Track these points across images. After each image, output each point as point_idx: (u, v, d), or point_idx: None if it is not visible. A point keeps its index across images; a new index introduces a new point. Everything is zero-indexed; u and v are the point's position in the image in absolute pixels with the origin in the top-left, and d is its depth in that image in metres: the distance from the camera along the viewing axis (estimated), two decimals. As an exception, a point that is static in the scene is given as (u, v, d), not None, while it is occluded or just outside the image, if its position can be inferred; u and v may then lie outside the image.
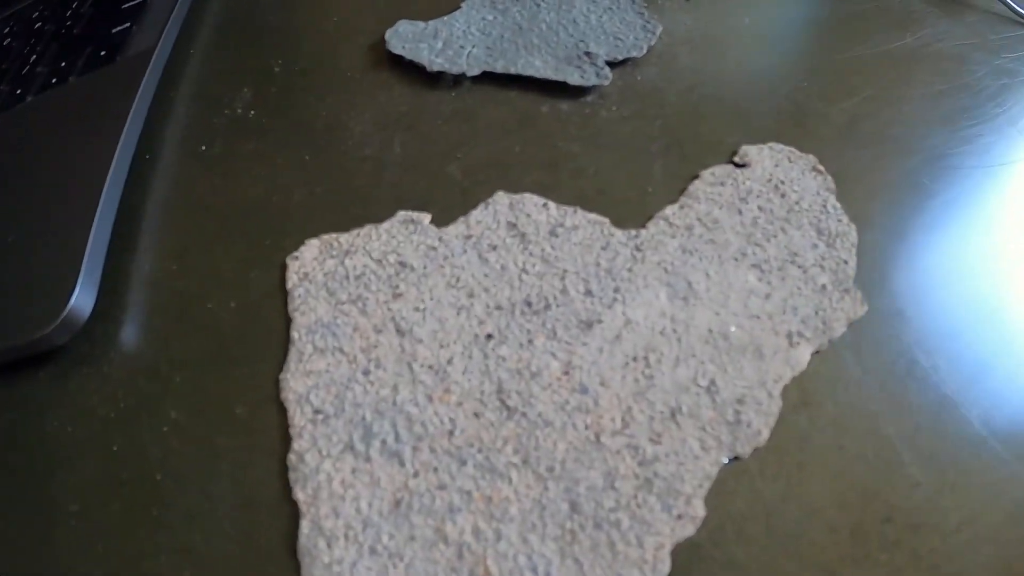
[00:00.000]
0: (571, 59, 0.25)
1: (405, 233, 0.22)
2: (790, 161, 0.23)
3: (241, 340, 0.22)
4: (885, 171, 0.24)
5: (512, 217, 0.22)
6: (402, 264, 0.21)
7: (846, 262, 0.22)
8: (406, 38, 0.28)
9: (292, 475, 0.19)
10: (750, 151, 0.23)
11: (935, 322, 0.21)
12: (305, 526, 0.18)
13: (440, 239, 0.21)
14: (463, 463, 0.18)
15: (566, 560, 0.18)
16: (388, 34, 0.29)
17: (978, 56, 0.29)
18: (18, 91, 0.31)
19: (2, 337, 0.22)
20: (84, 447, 0.21)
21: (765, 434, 0.19)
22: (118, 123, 0.26)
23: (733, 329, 0.20)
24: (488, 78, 0.27)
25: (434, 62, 0.27)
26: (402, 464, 0.19)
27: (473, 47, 0.27)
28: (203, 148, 0.27)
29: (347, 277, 0.21)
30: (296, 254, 0.22)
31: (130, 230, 0.26)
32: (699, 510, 0.18)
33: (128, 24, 0.31)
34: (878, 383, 0.20)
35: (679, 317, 0.20)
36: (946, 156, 0.25)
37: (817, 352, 0.21)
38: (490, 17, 0.28)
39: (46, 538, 0.20)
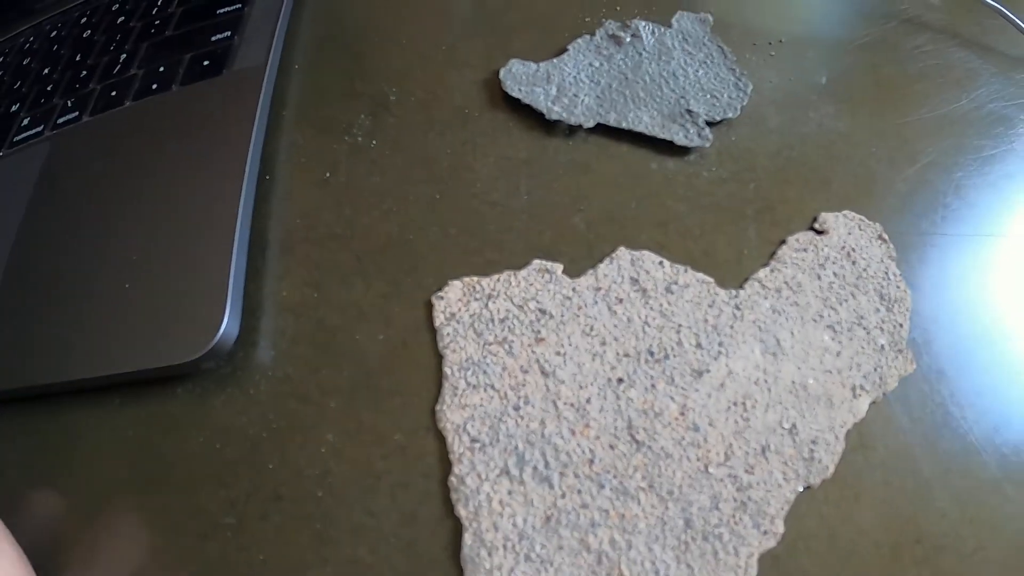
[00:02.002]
0: (675, 116, 0.31)
1: (541, 282, 0.27)
2: (860, 229, 0.30)
3: (390, 372, 0.27)
4: (938, 239, 0.31)
5: (634, 273, 0.28)
6: (542, 311, 0.27)
7: (901, 325, 0.29)
8: (520, 80, 0.32)
9: (454, 495, 0.25)
10: (828, 218, 0.30)
11: (968, 380, 0.28)
12: (468, 538, 0.25)
13: (574, 289, 0.27)
14: (601, 487, 0.25)
15: (681, 565, 0.25)
16: (503, 74, 0.33)
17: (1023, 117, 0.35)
18: (113, 92, 0.33)
19: (151, 359, 0.25)
20: (235, 464, 0.26)
21: (831, 469, 0.27)
22: (243, 141, 0.29)
23: (811, 381, 0.27)
24: (600, 129, 0.32)
25: (552, 110, 0.31)
26: (551, 487, 0.25)
27: (585, 96, 0.32)
28: (327, 175, 0.32)
29: (492, 320, 0.27)
30: (441, 294, 0.28)
31: (259, 254, 0.30)
32: (780, 528, 0.26)
33: (229, 33, 0.34)
34: (920, 431, 0.28)
35: (769, 370, 0.27)
36: (994, 224, 0.32)
37: (874, 403, 0.28)
38: (596, 64, 0.33)
39: (200, 547, 0.24)
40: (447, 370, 0.27)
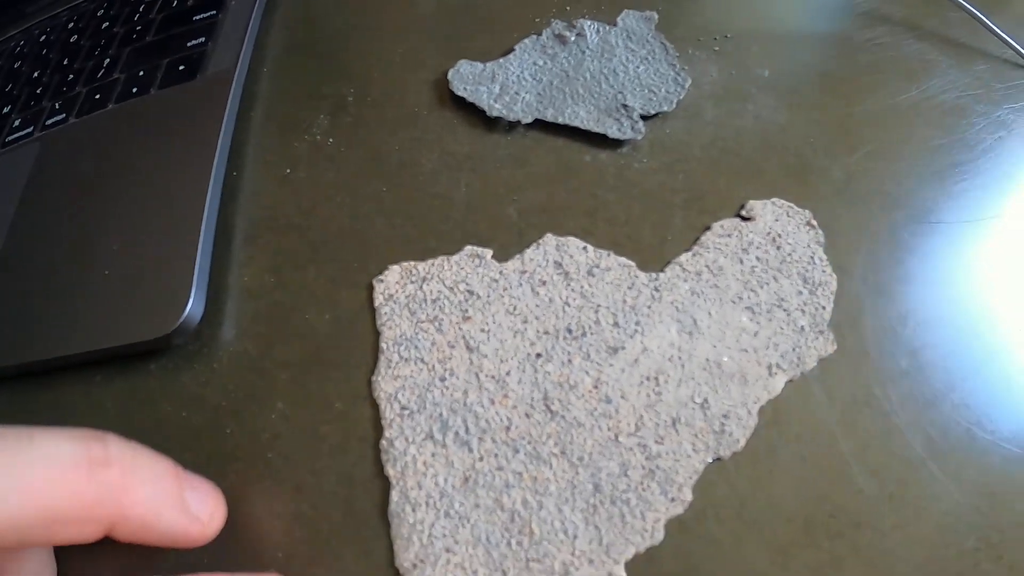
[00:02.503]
0: (611, 111, 0.33)
1: (472, 266, 0.30)
2: (788, 216, 0.32)
3: (336, 347, 0.31)
4: (871, 226, 0.33)
5: (559, 257, 0.30)
6: (470, 292, 0.30)
7: (824, 308, 0.31)
8: (467, 79, 0.36)
9: (384, 456, 0.29)
10: (755, 206, 0.32)
11: (894, 362, 0.30)
12: (395, 495, 0.28)
13: (501, 272, 0.30)
14: (516, 451, 0.28)
15: (589, 526, 0.27)
16: (451, 74, 0.36)
17: (980, 108, 0.36)
18: (97, 96, 0.37)
19: (125, 335, 0.29)
20: (199, 430, 0.30)
21: (742, 443, 0.29)
22: (212, 141, 0.33)
23: (726, 359, 0.30)
24: (538, 124, 0.35)
25: (493, 107, 0.34)
26: (470, 450, 0.28)
27: (526, 93, 0.35)
28: (288, 172, 0.35)
29: (425, 300, 0.30)
30: (381, 277, 0.31)
31: (225, 243, 0.33)
32: (688, 495, 0.28)
33: (203, 39, 0.38)
34: (839, 409, 0.29)
35: (684, 348, 0.29)
36: (931, 211, 0.33)
37: (791, 381, 0.30)
38: (540, 62, 0.36)
39: None
40: (383, 345, 0.30)
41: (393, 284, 0.31)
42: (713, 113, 0.35)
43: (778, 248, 0.32)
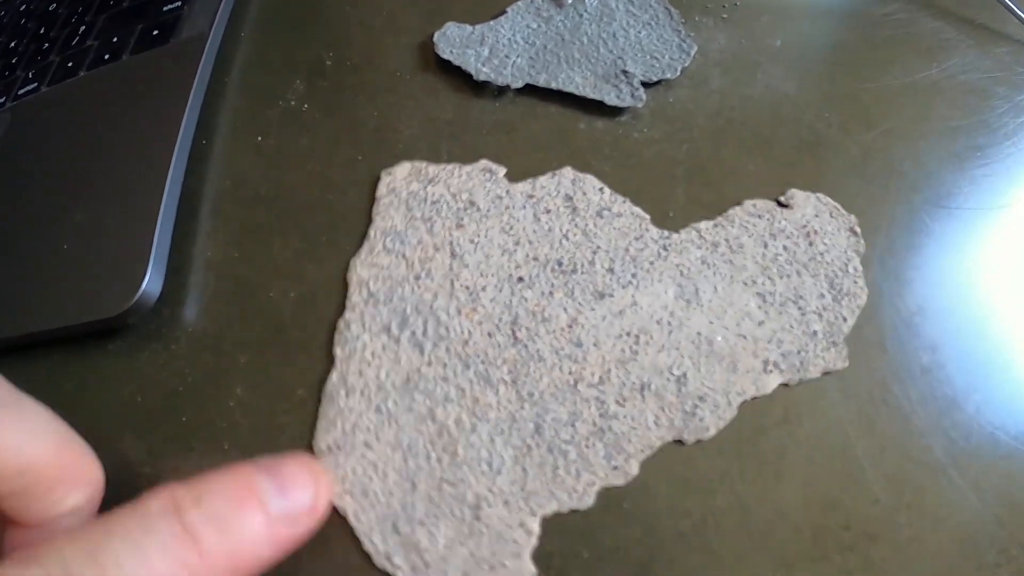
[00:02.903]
0: (609, 77, 0.27)
1: (481, 179, 0.26)
2: (832, 216, 0.26)
3: (299, 328, 0.25)
4: (888, 208, 0.26)
5: (571, 191, 0.25)
6: (471, 203, 0.25)
7: (845, 320, 0.24)
8: (454, 42, 0.30)
9: (337, 336, 0.24)
10: (797, 196, 0.26)
11: (913, 357, 0.23)
12: (334, 376, 0.24)
13: (507, 191, 0.25)
14: (467, 367, 0.23)
15: (516, 466, 0.22)
16: (436, 36, 0.30)
17: (1001, 91, 0.28)
18: (70, 64, 0.32)
19: (77, 314, 0.24)
20: (155, 416, 0.24)
21: (712, 431, 0.23)
22: (179, 107, 0.28)
23: (719, 339, 0.23)
24: (530, 90, 0.29)
25: (480, 71, 0.28)
26: (421, 353, 0.23)
27: (517, 57, 0.29)
28: (259, 139, 0.30)
29: (425, 200, 0.26)
30: (390, 170, 0.27)
31: (190, 215, 0.28)
32: (634, 468, 0.22)
33: (179, 3, 0.32)
34: (855, 408, 0.23)
35: (677, 314, 0.24)
36: (951, 196, 0.26)
37: (785, 384, 0.23)
38: (534, 26, 0.30)
39: (118, 494, 0.22)
40: (371, 232, 0.26)
41: (400, 179, 0.26)
42: (720, 82, 0.29)
43: (810, 244, 0.25)
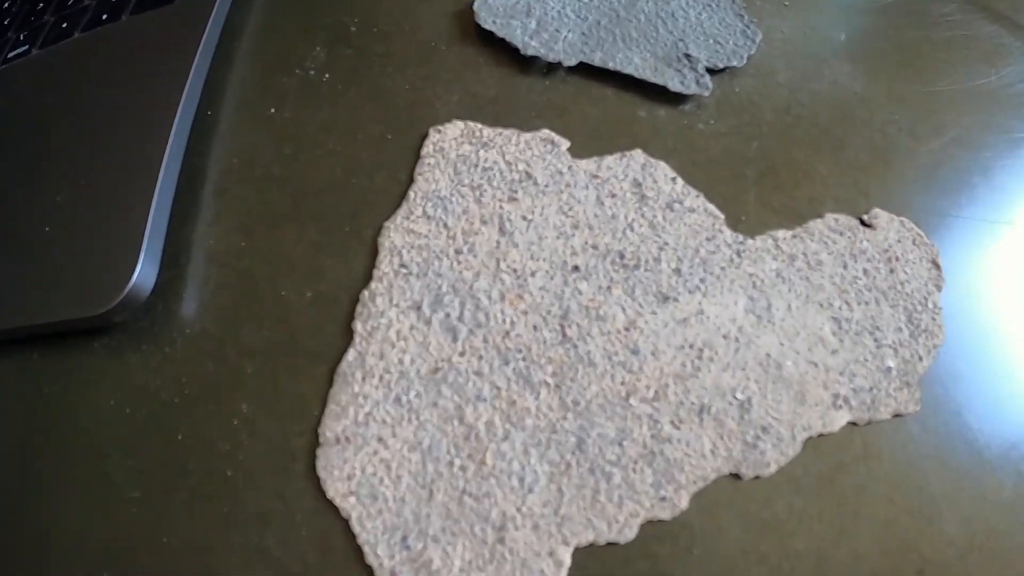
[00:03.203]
0: (670, 60, 0.22)
1: (541, 150, 0.21)
2: (914, 243, 0.21)
3: (315, 334, 0.19)
4: (959, 223, 0.22)
5: (641, 177, 0.20)
6: (528, 175, 0.20)
7: (920, 359, 0.20)
8: (496, 12, 0.24)
9: (359, 308, 0.19)
10: (881, 216, 0.21)
11: (989, 386, 0.19)
12: (351, 355, 0.18)
13: (569, 168, 0.20)
14: (506, 362, 0.18)
15: (552, 485, 0.17)
16: (477, 5, 0.25)
17: None
18: (64, 24, 0.26)
19: (56, 310, 0.19)
20: (145, 431, 0.19)
21: (773, 468, 0.18)
22: (181, 74, 0.22)
23: (789, 364, 0.19)
24: (583, 69, 0.23)
25: (528, 44, 0.23)
26: (455, 340, 0.18)
27: (568, 32, 0.23)
28: (272, 111, 0.23)
29: (476, 165, 0.20)
30: (440, 128, 0.21)
31: (191, 197, 0.22)
32: (683, 501, 0.17)
33: None
34: (933, 442, 0.18)
35: (746, 330, 0.19)
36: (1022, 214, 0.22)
37: (853, 424, 0.19)
38: None
39: (105, 520, 0.18)
40: (411, 194, 0.20)
41: (449, 138, 0.21)
42: (786, 75, 0.24)
43: (891, 271, 0.21)
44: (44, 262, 0.20)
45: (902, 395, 0.19)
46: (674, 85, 0.22)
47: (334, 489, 0.17)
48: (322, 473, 0.17)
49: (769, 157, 0.22)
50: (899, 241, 0.21)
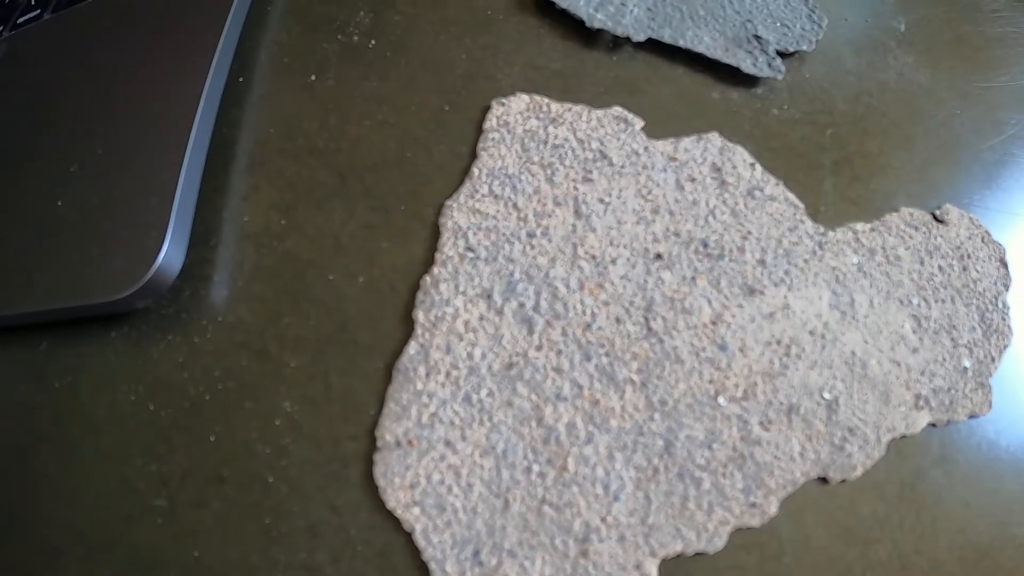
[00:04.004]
0: (740, 41, 0.19)
1: (615, 129, 0.17)
2: (983, 241, 0.18)
3: (370, 324, 0.16)
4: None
5: (720, 161, 0.17)
6: (603, 154, 0.17)
7: (993, 360, 0.17)
8: None
9: (420, 295, 0.15)
10: (952, 212, 0.19)
11: None
12: (412, 347, 0.15)
13: (646, 148, 0.17)
14: (587, 358, 0.15)
15: (638, 492, 0.14)
16: None
17: None
18: None
19: (73, 294, 0.15)
20: (171, 432, 0.15)
21: (859, 471, 0.15)
22: (212, 36, 0.18)
23: (873, 363, 0.16)
24: (651, 46, 0.20)
25: (594, 17, 0.19)
26: (531, 332, 0.15)
27: (635, 6, 0.20)
28: (312, 78, 0.19)
29: (545, 142, 0.17)
30: (504, 101, 0.18)
31: (223, 169, 0.18)
32: (772, 507, 0.15)
33: None
34: (1004, 445, 0.16)
35: (832, 327, 0.16)
36: None
37: (932, 425, 0.16)
38: None
39: (125, 532, 0.14)
40: (475, 170, 0.17)
41: (515, 113, 0.17)
42: (854, 62, 0.21)
43: (964, 269, 0.18)
44: (60, 241, 0.16)
45: (977, 396, 0.16)
46: (747, 67, 0.19)
47: (395, 499, 0.14)
48: (381, 481, 0.14)
49: (843, 146, 0.19)
50: (970, 238, 0.18)
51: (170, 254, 0.15)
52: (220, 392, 0.15)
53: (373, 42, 0.19)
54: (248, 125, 0.19)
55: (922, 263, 0.18)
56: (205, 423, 0.15)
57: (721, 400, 0.15)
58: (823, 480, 0.15)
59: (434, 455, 0.14)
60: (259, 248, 0.17)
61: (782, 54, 0.20)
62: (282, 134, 0.18)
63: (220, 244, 0.17)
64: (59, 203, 0.16)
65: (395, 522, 0.14)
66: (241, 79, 0.19)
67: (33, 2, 0.21)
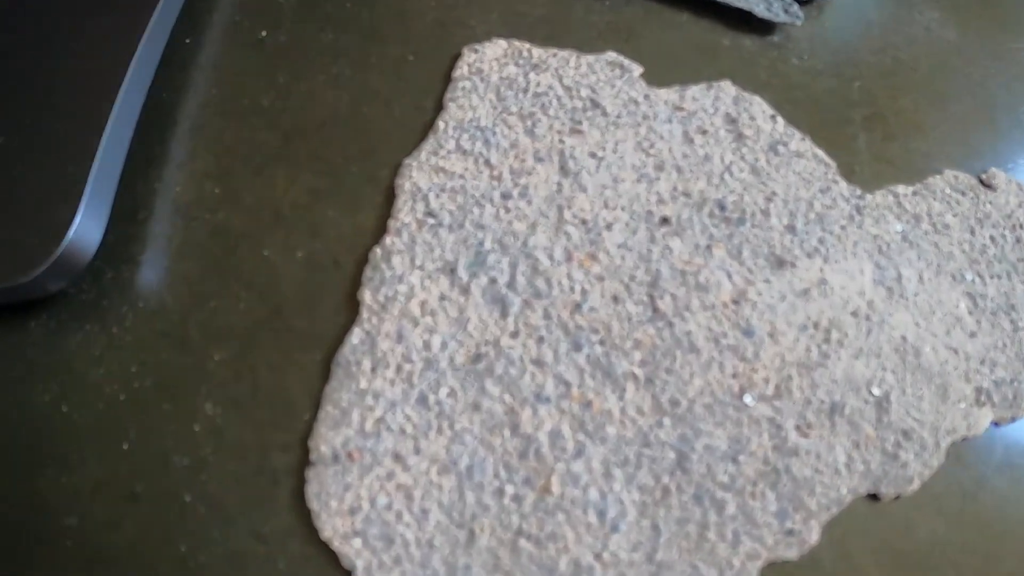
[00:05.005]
0: None
1: (608, 75, 0.13)
2: (1034, 208, 0.14)
3: (308, 307, 0.11)
4: None
5: (735, 112, 0.12)
6: (594, 103, 0.12)
7: (1058, 342, 0.12)
8: None
9: (368, 271, 0.11)
10: (999, 176, 0.14)
11: None
12: (356, 335, 0.10)
13: (646, 96, 0.12)
14: (577, 347, 0.10)
15: (643, 520, 0.09)
16: None
17: None
18: None
19: None
20: (84, 437, 0.11)
21: (916, 484, 0.11)
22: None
23: (928, 350, 0.11)
24: None
25: None
26: (504, 315, 0.10)
27: None
28: (263, 34, 0.15)
29: (525, 90, 0.12)
30: (477, 47, 0.13)
31: (158, 137, 0.14)
32: (813, 535, 0.10)
33: None
34: None
35: (878, 306, 0.11)
36: None
37: (996, 423, 0.12)
38: None
39: (34, 556, 0.10)
40: (440, 124, 0.12)
41: (490, 59, 0.13)
42: (877, 14, 0.16)
43: (1018, 241, 0.13)
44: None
45: (1044, 389, 0.12)
46: (760, 11, 0.14)
47: (331, 527, 0.09)
48: (314, 504, 0.09)
49: (873, 102, 0.14)
50: (1020, 206, 0.14)
51: (84, 228, 0.11)
52: (136, 391, 0.11)
53: (331, -9, 0.15)
54: (192, 88, 0.14)
55: (972, 233, 0.13)
56: (119, 428, 0.11)
57: (747, 399, 0.10)
58: (873, 497, 0.11)
59: (380, 472, 0.09)
60: (189, 221, 0.12)
61: (799, 0, 0.15)
62: (225, 95, 0.14)
63: (150, 219, 0.13)
64: None
65: (332, 556, 0.09)
66: (188, 40, 0.15)
67: None
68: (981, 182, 0.14)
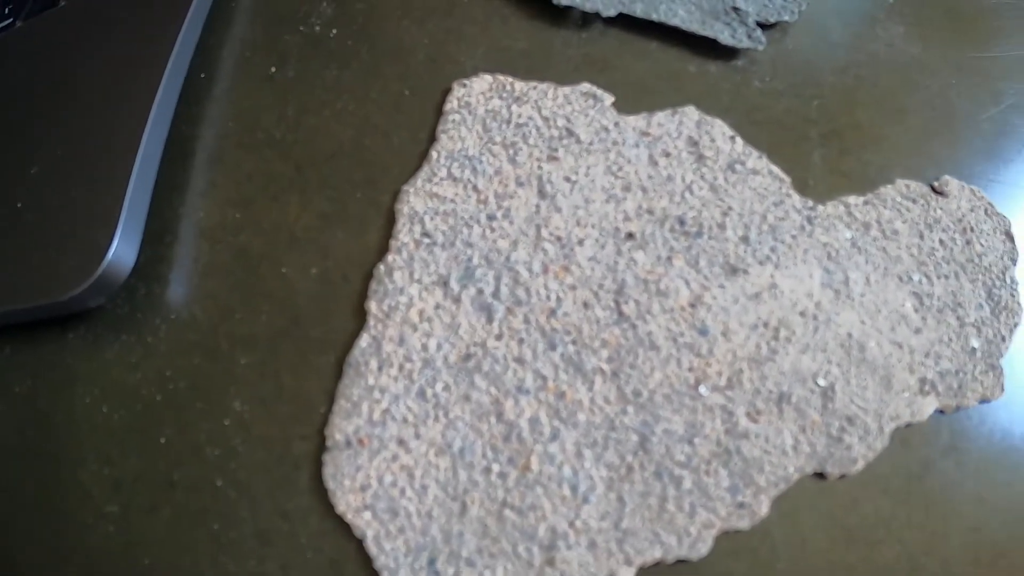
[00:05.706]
0: (717, 13, 0.16)
1: (582, 105, 0.14)
2: (986, 213, 0.15)
3: (323, 319, 0.13)
4: None
5: (696, 135, 0.14)
6: (569, 132, 0.14)
7: (1003, 339, 0.14)
8: None
9: (374, 285, 0.13)
10: (951, 184, 0.15)
11: None
12: (364, 340, 0.12)
13: (616, 124, 0.14)
14: (552, 347, 0.12)
15: (610, 493, 0.11)
16: None
17: None
18: None
19: (22, 296, 0.13)
20: (123, 434, 0.13)
21: (860, 465, 0.12)
22: (171, 30, 0.16)
23: (872, 344, 0.13)
24: (622, 21, 0.16)
25: None
26: (490, 320, 0.12)
27: None
28: (272, 70, 0.17)
29: (508, 121, 0.14)
30: (466, 82, 0.15)
31: (181, 166, 0.16)
32: (763, 507, 0.12)
33: None
34: (1020, 432, 0.13)
35: (824, 307, 0.13)
36: None
37: (941, 412, 0.13)
38: None
39: (78, 541, 0.12)
40: (433, 154, 0.14)
41: (477, 93, 0.15)
42: (840, 34, 0.18)
43: (968, 243, 0.15)
44: (12, 241, 0.14)
45: (988, 379, 0.13)
46: (724, 38, 0.15)
47: (345, 503, 0.11)
48: (330, 483, 0.11)
49: (832, 119, 0.16)
50: (972, 211, 0.15)
51: (121, 250, 0.13)
52: (171, 393, 0.13)
53: (335, 31, 0.17)
54: (208, 121, 0.16)
55: (921, 237, 0.14)
56: (156, 425, 0.13)
57: (702, 389, 0.12)
58: (820, 476, 0.12)
59: (386, 455, 0.11)
60: (213, 244, 0.14)
61: (763, 25, 0.17)
62: (241, 128, 0.16)
63: (176, 241, 0.15)
64: (19, 205, 0.14)
65: (346, 528, 0.11)
66: (203, 75, 0.17)
67: (7, 11, 0.19)
68: (933, 189, 0.15)
